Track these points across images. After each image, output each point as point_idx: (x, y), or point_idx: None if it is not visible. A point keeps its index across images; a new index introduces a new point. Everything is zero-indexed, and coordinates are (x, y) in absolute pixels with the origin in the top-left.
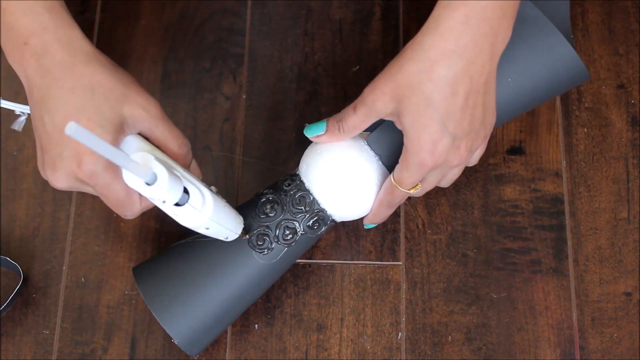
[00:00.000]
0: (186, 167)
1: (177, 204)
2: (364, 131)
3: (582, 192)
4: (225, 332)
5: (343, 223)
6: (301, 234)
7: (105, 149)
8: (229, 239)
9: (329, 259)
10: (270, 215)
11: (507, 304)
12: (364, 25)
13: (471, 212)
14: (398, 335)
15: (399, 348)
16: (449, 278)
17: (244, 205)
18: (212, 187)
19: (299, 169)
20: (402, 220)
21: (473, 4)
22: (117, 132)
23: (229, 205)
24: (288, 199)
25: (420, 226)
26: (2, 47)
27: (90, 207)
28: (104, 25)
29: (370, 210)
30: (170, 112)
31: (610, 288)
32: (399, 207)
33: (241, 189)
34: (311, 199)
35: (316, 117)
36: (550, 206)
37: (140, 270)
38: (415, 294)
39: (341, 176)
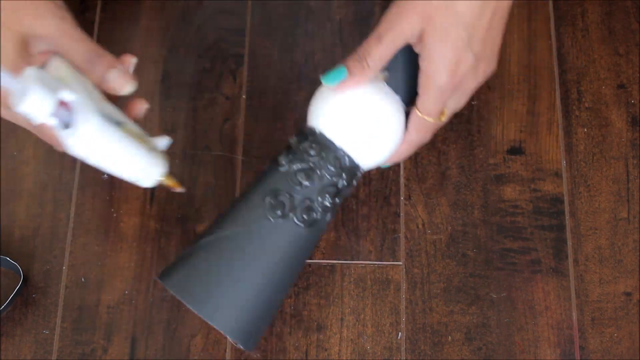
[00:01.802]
0: (99, 79)
1: (66, 126)
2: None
3: (582, 192)
4: None
5: (343, 223)
6: (342, 193)
7: None
8: (141, 182)
9: (329, 259)
10: (307, 184)
11: (507, 304)
12: (364, 25)
13: (471, 212)
14: (398, 335)
15: (399, 348)
16: (449, 278)
17: (264, 178)
18: (164, 137)
19: (315, 123)
20: (402, 220)
21: None
22: (21, 52)
23: (139, 142)
24: (321, 162)
25: (420, 226)
26: None
27: (90, 207)
28: (104, 25)
29: (398, 152)
30: (171, 112)
31: (610, 288)
32: (398, 207)
33: (241, 189)
34: (342, 154)
35: None
36: (550, 206)
37: (172, 276)
38: (415, 294)
39: (373, 126)
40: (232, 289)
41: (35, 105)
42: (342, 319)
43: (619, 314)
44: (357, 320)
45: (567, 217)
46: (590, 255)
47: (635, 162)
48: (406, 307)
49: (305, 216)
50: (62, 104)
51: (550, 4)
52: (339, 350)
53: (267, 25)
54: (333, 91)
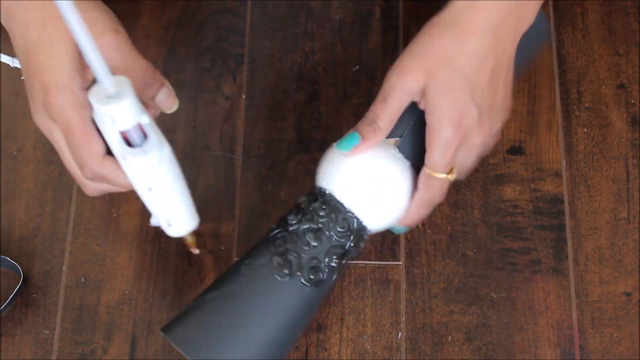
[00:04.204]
0: (149, 100)
1: (129, 144)
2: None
3: (582, 192)
4: None
5: None
6: (349, 254)
7: (81, 36)
8: (171, 229)
9: None
10: (315, 244)
11: (507, 304)
12: (364, 25)
13: (471, 212)
14: (398, 335)
15: (399, 348)
16: (449, 278)
17: (272, 237)
18: (183, 179)
19: (325, 184)
20: None
21: None
22: (78, 65)
23: (188, 193)
24: (330, 223)
25: (420, 226)
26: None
27: (90, 207)
28: None
29: (410, 214)
30: (171, 112)
31: (610, 288)
32: None
33: (241, 189)
34: (351, 216)
35: (316, 117)
36: (550, 206)
37: (176, 329)
38: (415, 294)
39: (381, 190)
40: (234, 346)
41: (122, 113)
42: (342, 319)
43: (619, 314)
44: (357, 320)
45: (567, 217)
46: (590, 255)
47: (635, 162)
48: (406, 307)
49: (312, 276)
50: (140, 127)
51: (550, 4)
52: (339, 350)
53: (267, 25)
54: (343, 154)
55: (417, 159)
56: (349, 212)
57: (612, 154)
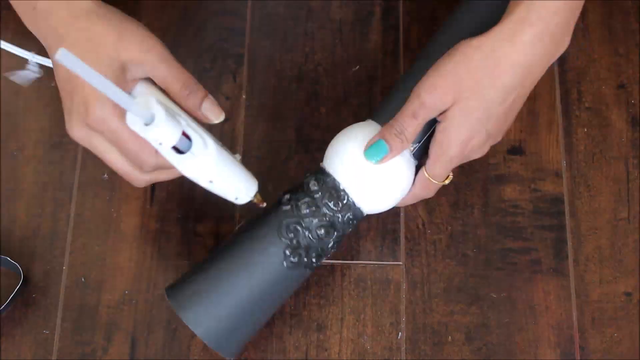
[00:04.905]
0: (195, 108)
1: (179, 151)
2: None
3: (582, 192)
4: None
5: None
6: (342, 230)
7: (95, 79)
8: (238, 201)
9: (329, 259)
10: (323, 235)
11: (507, 304)
12: (364, 25)
13: (471, 212)
14: (398, 335)
15: (399, 348)
16: (449, 278)
17: (284, 224)
18: (237, 155)
19: (327, 165)
20: (402, 220)
21: (548, 21)
22: (119, 78)
23: (239, 164)
24: (339, 215)
25: (420, 226)
26: (19, 15)
27: (90, 207)
28: None
29: (402, 201)
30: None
31: (611, 288)
32: (399, 207)
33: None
34: (356, 208)
35: (316, 117)
36: (550, 206)
37: (174, 284)
38: (416, 294)
39: (389, 185)
40: (219, 301)
41: (165, 134)
42: (342, 319)
43: (619, 314)
44: (357, 320)
45: (567, 217)
46: (591, 255)
47: (635, 162)
48: (406, 307)
49: (314, 260)
50: (184, 133)
51: None
52: (339, 350)
53: (267, 25)
54: (358, 148)
55: (418, 150)
56: (353, 203)
57: (612, 154)
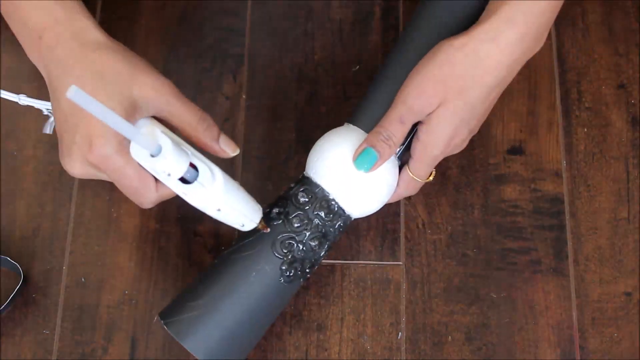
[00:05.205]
0: (213, 141)
1: (185, 181)
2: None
3: (582, 192)
4: None
5: None
6: (333, 238)
7: (105, 114)
8: (245, 228)
9: (329, 259)
10: (317, 247)
11: (507, 304)
12: (364, 25)
13: (471, 212)
14: (398, 335)
15: (399, 348)
16: (449, 278)
17: (279, 241)
18: (236, 183)
19: (312, 174)
20: (402, 220)
21: (533, 22)
22: (129, 114)
23: (244, 191)
24: (329, 225)
25: (420, 226)
26: (20, 43)
27: (90, 207)
28: (104, 25)
29: (388, 201)
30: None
31: (610, 288)
32: (399, 207)
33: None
34: (345, 216)
35: (316, 117)
36: (550, 206)
37: (170, 311)
38: (415, 294)
39: (375, 189)
40: (214, 319)
41: (173, 165)
42: (342, 319)
43: (619, 314)
44: (357, 320)
45: (567, 217)
46: (591, 255)
47: (635, 162)
48: (406, 307)
49: (308, 271)
50: (191, 164)
51: None
52: (339, 350)
53: (267, 25)
54: (345, 156)
55: (403, 155)
56: (343, 211)
57: (612, 153)
